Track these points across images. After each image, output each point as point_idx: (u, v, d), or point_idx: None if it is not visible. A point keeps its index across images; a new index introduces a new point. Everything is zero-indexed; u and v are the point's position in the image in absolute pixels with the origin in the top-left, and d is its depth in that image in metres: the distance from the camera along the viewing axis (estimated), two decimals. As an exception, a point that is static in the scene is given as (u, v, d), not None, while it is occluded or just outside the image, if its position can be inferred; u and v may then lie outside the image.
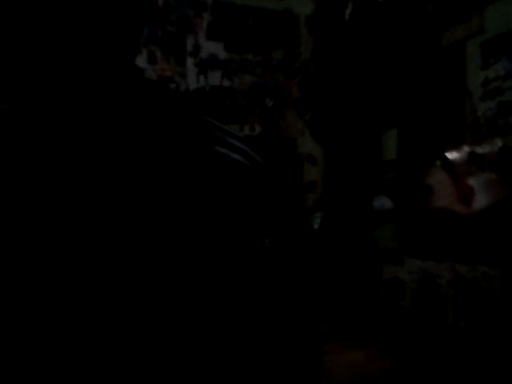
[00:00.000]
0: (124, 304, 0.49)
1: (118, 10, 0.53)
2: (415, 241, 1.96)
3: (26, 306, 0.47)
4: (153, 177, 0.51)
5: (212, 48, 2.59)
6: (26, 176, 0.49)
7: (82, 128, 0.52)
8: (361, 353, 1.75)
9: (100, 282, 0.49)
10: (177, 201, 0.51)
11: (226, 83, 2.62)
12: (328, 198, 2.39)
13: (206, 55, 2.58)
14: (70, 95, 0.52)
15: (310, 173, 2.70)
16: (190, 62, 2.54)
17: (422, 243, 1.92)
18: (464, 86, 1.78)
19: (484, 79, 1.69)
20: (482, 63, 1.71)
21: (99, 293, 0.49)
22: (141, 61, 2.36)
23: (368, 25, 2.21)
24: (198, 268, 0.52)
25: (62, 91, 0.52)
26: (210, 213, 0.52)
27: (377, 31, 2.17)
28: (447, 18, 1.85)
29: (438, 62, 1.89)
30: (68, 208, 0.49)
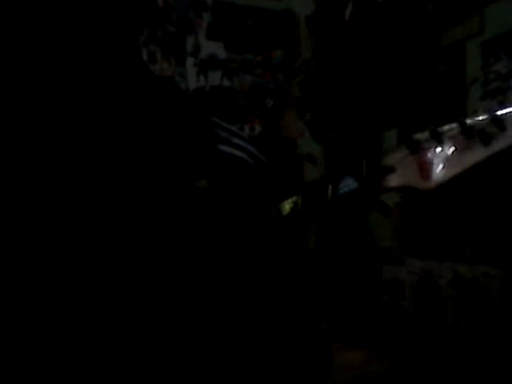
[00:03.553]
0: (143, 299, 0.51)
1: (119, 9, 0.54)
2: (415, 241, 1.96)
3: (26, 305, 0.47)
4: (155, 172, 0.52)
5: (212, 48, 2.59)
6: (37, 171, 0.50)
7: (86, 123, 0.53)
8: (361, 353, 1.75)
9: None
10: (179, 195, 0.52)
11: (226, 83, 2.62)
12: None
13: (205, 55, 2.58)
14: (74, 92, 0.52)
15: (310, 173, 2.70)
16: (189, 62, 2.54)
17: (422, 243, 1.92)
18: (464, 86, 1.78)
19: (484, 79, 1.69)
20: (482, 63, 1.70)
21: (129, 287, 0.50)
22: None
23: (368, 25, 2.21)
24: (198, 266, 0.52)
25: (64, 88, 0.52)
26: (210, 205, 0.54)
27: (377, 31, 2.17)
28: (447, 18, 1.85)
29: (438, 62, 1.89)
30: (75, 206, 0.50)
